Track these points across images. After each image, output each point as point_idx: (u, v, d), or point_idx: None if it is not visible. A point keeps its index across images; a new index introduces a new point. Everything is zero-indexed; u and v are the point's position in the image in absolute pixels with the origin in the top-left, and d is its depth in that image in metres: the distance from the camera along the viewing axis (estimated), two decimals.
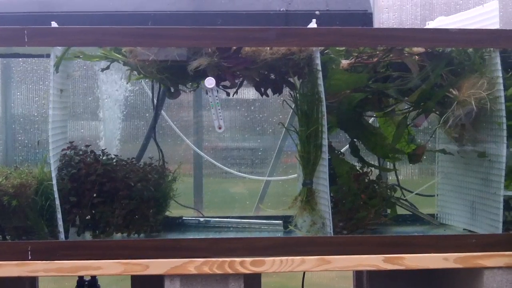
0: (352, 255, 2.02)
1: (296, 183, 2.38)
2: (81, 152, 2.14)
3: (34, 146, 2.56)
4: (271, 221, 2.33)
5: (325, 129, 2.06)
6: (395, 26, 2.78)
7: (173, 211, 2.29)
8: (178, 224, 2.35)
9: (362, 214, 2.17)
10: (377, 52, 2.18)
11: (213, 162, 2.71)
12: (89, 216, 2.10)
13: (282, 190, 2.92)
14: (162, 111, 2.49)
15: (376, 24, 2.68)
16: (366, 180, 2.23)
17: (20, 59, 2.63)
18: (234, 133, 2.98)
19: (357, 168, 2.25)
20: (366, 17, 2.42)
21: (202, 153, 2.72)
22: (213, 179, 3.01)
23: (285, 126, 2.45)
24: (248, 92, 2.93)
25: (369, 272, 2.53)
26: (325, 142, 2.06)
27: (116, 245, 2.01)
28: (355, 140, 2.28)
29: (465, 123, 2.20)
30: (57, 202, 1.98)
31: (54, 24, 2.09)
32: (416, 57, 2.18)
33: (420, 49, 2.18)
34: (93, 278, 2.50)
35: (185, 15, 2.42)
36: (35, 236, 2.05)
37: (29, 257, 1.95)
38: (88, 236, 2.13)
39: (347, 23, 2.32)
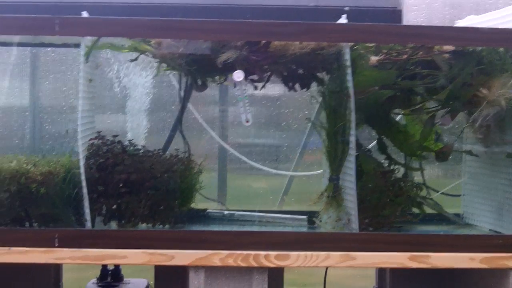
0: (378, 252, 2.02)
1: (320, 180, 2.38)
2: (108, 142, 2.15)
3: (61, 136, 2.57)
4: (295, 216, 2.33)
5: (353, 125, 2.05)
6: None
7: (197, 204, 2.29)
8: (203, 216, 2.36)
9: (387, 211, 2.16)
10: (407, 49, 2.17)
11: (238, 156, 2.71)
12: (115, 206, 2.11)
13: (306, 187, 2.91)
14: (189, 104, 2.49)
15: (405, 23, 2.66)
16: (392, 178, 2.23)
17: (49, 48, 2.65)
18: (258, 129, 2.97)
19: (384, 165, 2.24)
20: (396, 14, 2.41)
21: (227, 146, 2.72)
22: (236, 175, 3.01)
23: (311, 122, 2.44)
24: (273, 88, 2.92)
25: (392, 271, 2.52)
26: (352, 138, 2.06)
27: (142, 235, 2.02)
28: (382, 137, 2.28)
29: (490, 123, 2.18)
30: (85, 190, 1.99)
31: (84, 14, 2.10)
32: (446, 55, 2.16)
33: (450, 47, 2.17)
34: (117, 267, 2.51)
35: (213, 9, 2.42)
36: (62, 224, 2.07)
37: (56, 244, 1.96)
38: (113, 225, 2.14)
39: (376, 20, 2.31)
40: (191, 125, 2.62)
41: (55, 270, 2.53)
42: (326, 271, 2.54)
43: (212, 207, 2.42)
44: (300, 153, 2.88)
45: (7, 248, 1.96)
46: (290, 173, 2.81)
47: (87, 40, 2.08)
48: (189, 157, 2.28)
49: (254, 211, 2.38)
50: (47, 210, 2.05)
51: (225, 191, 2.83)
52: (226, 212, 2.36)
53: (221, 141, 2.71)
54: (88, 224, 2.01)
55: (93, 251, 1.97)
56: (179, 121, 2.41)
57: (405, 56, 2.17)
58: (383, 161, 2.27)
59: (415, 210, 2.34)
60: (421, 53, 2.16)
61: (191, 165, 2.23)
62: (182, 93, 2.36)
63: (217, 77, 2.25)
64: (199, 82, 2.25)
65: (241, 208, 2.44)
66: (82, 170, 2.00)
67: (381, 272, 2.63)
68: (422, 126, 2.29)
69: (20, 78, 2.66)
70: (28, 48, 2.63)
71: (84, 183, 1.99)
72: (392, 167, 2.24)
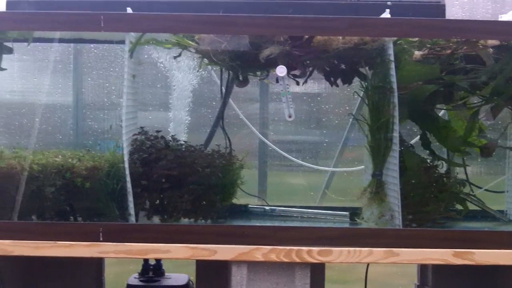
0: (421, 249, 2.00)
1: (361, 176, 2.36)
2: (152, 138, 2.17)
3: (104, 131, 2.61)
4: (337, 212, 2.32)
5: (396, 120, 2.04)
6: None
7: (238, 199, 2.30)
8: (244, 211, 2.36)
9: (431, 207, 2.14)
10: (451, 44, 2.15)
11: (279, 151, 2.71)
12: (158, 201, 2.12)
13: (346, 184, 2.91)
14: (230, 99, 2.50)
15: (448, 17, 2.63)
16: (436, 174, 2.20)
17: (92, 45, 2.69)
18: (298, 125, 2.97)
19: (428, 161, 2.22)
20: (439, 9, 2.37)
21: (268, 142, 2.73)
22: (275, 171, 3.02)
23: (352, 117, 2.43)
24: (313, 84, 2.91)
25: (435, 269, 2.49)
26: (396, 133, 2.04)
27: (185, 230, 2.03)
28: (426, 132, 2.25)
29: None
30: (129, 185, 2.01)
31: (129, 10, 2.12)
32: (491, 50, 2.14)
33: (495, 42, 2.14)
34: (158, 262, 2.52)
35: (255, 5, 2.41)
36: (106, 218, 2.09)
37: (101, 239, 1.98)
38: (156, 220, 2.15)
39: (419, 14, 2.28)
40: (232, 121, 2.63)
41: (97, 264, 2.55)
42: (367, 268, 2.52)
43: (253, 203, 2.42)
44: (340, 150, 2.88)
45: (52, 241, 1.99)
46: (332, 169, 2.81)
47: (131, 36, 2.10)
48: (231, 152, 2.29)
49: (295, 206, 2.38)
50: (91, 205, 2.07)
51: (265, 187, 2.83)
52: (267, 208, 2.36)
53: (261, 137, 2.72)
54: (132, 219, 2.03)
55: (137, 245, 1.99)
56: (220, 116, 2.42)
57: (449, 51, 2.14)
58: (426, 157, 2.25)
59: (458, 206, 2.31)
60: (465, 47, 2.13)
61: (232, 161, 2.24)
62: (223, 89, 2.36)
63: (258, 73, 2.25)
64: (241, 78, 2.25)
65: (281, 204, 2.44)
66: (126, 165, 2.01)
67: (423, 269, 2.61)
68: (465, 121, 2.27)
69: (63, 75, 2.71)
70: (71, 45, 2.67)
71: (128, 178, 2.01)
72: (435, 163, 2.22)
